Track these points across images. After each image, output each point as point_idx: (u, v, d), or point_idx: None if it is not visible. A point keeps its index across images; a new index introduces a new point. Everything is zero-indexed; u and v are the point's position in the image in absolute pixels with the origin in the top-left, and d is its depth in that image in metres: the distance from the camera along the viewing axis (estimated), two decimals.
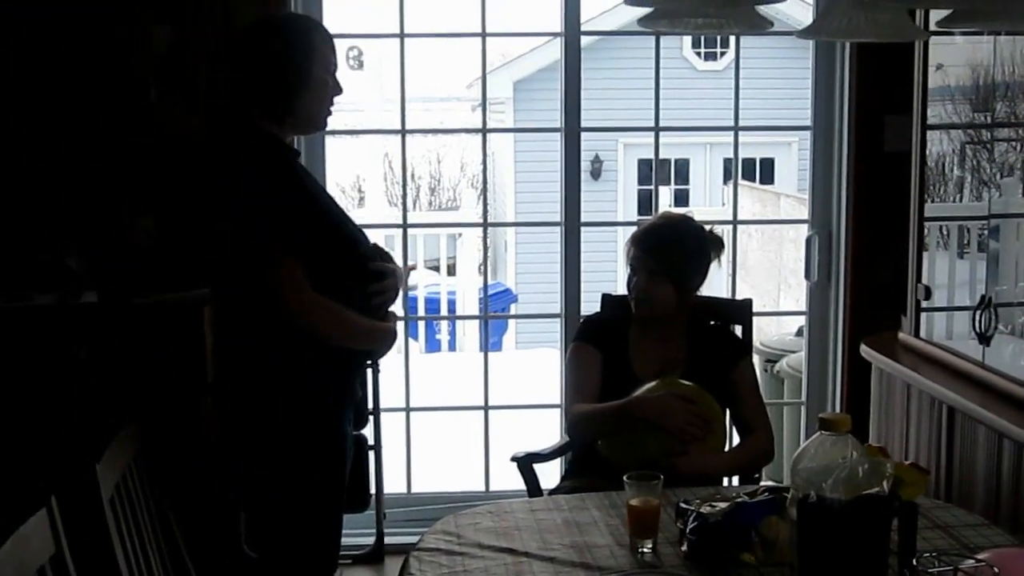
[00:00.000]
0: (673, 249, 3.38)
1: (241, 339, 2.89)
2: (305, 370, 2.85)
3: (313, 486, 2.90)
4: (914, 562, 2.08)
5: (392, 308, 3.05)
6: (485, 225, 5.17)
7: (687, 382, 3.23)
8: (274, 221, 2.74)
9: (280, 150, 2.91)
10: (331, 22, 4.17)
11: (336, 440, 2.95)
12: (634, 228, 3.49)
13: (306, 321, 2.79)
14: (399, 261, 3.71)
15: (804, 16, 6.04)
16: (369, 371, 4.15)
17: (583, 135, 4.39)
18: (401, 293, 3.13)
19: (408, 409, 4.61)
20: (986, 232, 3.49)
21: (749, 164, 14.82)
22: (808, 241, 4.47)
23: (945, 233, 3.90)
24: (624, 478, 2.51)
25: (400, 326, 3.12)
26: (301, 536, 2.91)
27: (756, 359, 4.37)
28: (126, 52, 3.87)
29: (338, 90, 2.98)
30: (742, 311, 3.73)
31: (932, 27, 3.42)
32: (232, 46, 3.03)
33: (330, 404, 2.92)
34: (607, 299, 3.73)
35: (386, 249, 3.09)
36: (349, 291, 2.86)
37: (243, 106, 2.89)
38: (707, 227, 3.50)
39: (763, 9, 2.78)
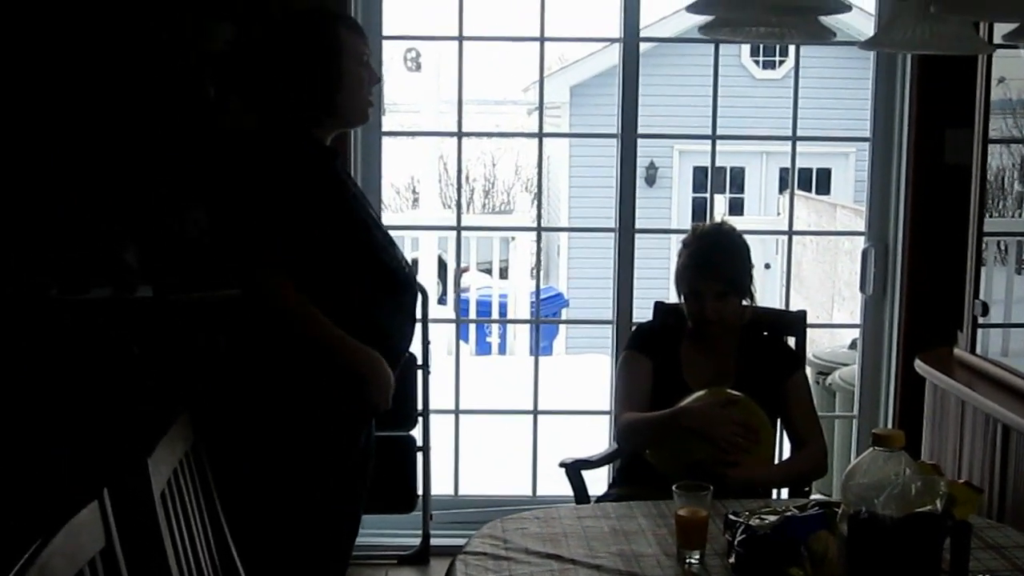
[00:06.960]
0: (733, 266, 3.36)
1: (239, 339, 2.90)
2: (303, 376, 2.83)
3: (308, 491, 2.89)
4: None
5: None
6: (539, 229, 5.16)
7: (735, 392, 3.21)
8: (270, 224, 2.71)
9: (312, 152, 2.85)
10: (390, 23, 4.20)
11: (337, 447, 2.93)
12: (682, 247, 3.43)
13: (285, 327, 2.77)
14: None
15: (864, 27, 6.00)
16: (419, 372, 4.17)
17: (639, 141, 4.38)
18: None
19: (457, 411, 4.62)
20: None
21: (805, 174, 14.70)
22: (864, 253, 4.43)
23: (1003, 249, 3.85)
24: (673, 488, 2.49)
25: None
26: (295, 539, 2.91)
27: (808, 371, 4.34)
28: (185, 48, 3.90)
29: (374, 79, 2.91)
30: (796, 323, 3.71)
31: (997, 40, 3.38)
32: (257, 48, 2.97)
33: (325, 412, 2.88)
34: (660, 307, 3.71)
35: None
36: (358, 297, 2.82)
37: (281, 106, 2.83)
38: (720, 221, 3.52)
39: (826, 19, 2.76)
